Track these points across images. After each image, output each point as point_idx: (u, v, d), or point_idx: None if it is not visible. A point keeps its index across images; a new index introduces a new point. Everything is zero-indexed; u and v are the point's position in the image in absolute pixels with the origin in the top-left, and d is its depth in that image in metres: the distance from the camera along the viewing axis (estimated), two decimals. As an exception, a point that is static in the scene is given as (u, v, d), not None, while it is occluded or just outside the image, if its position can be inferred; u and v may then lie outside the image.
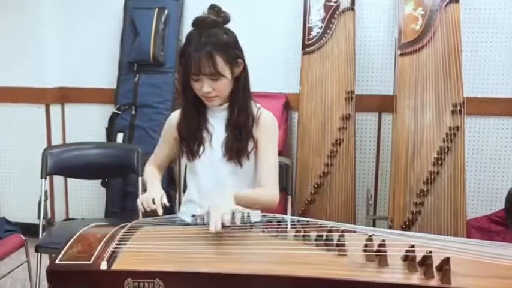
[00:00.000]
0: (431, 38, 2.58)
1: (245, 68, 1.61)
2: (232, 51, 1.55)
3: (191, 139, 1.65)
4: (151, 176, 1.72)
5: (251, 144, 1.64)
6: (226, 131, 1.64)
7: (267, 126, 1.66)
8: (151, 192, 1.56)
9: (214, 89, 1.55)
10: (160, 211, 1.47)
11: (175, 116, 1.72)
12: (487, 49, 2.83)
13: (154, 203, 1.48)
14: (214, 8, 1.57)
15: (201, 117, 1.66)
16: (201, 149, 1.65)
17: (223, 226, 1.27)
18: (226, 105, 1.64)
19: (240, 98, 1.62)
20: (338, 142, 2.70)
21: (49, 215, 2.56)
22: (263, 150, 1.63)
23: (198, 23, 1.55)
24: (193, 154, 1.66)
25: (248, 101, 1.64)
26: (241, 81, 1.61)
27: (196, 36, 1.52)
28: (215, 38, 1.51)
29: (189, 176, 1.74)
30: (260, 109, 1.68)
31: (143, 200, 1.51)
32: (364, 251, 1.18)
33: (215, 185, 1.64)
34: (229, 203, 1.38)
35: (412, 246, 1.13)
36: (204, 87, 1.54)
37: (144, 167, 1.82)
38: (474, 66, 2.85)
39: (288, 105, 3.03)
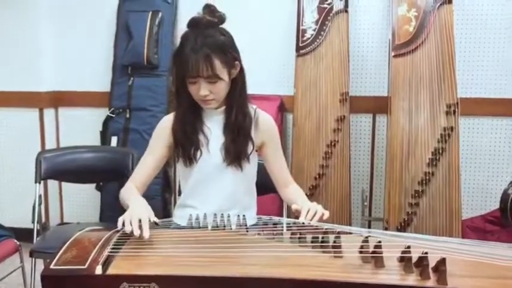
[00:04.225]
0: (425, 39, 2.59)
1: (242, 70, 1.58)
2: (230, 52, 1.51)
3: (187, 143, 1.60)
4: (132, 193, 1.54)
5: (250, 147, 1.62)
6: (224, 134, 1.61)
7: (271, 130, 1.69)
8: (136, 208, 1.37)
9: (211, 91, 1.51)
10: (146, 235, 1.25)
11: (167, 120, 1.66)
12: (480, 49, 2.85)
13: (140, 222, 1.28)
14: (209, 8, 1.53)
15: (197, 120, 1.62)
16: (198, 153, 1.60)
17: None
18: (223, 108, 1.61)
19: (237, 100, 1.59)
20: (333, 144, 2.71)
21: (43, 220, 2.55)
22: (276, 154, 1.70)
23: (193, 23, 1.51)
24: (190, 159, 1.61)
25: (245, 103, 1.61)
26: (238, 83, 1.58)
27: (192, 37, 1.48)
28: (212, 39, 1.48)
29: (184, 182, 1.69)
30: (257, 110, 1.66)
31: (127, 218, 1.29)
32: (360, 252, 1.18)
33: (214, 190, 1.62)
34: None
35: (408, 247, 1.13)
36: (202, 90, 1.50)
37: (121, 189, 1.62)
38: (468, 66, 2.86)
39: (282, 107, 3.04)
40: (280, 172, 1.71)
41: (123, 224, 1.29)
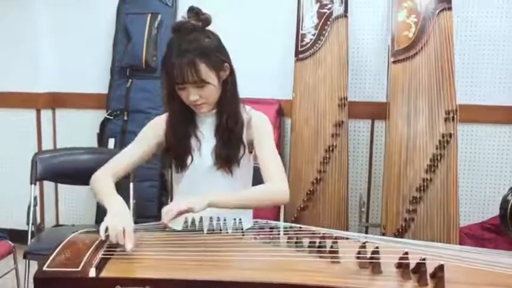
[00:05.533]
0: (424, 45, 2.59)
1: (232, 72, 1.56)
2: (216, 55, 1.48)
3: (180, 149, 1.58)
4: (108, 189, 1.49)
5: (242, 150, 1.59)
6: (215, 137, 1.59)
7: (261, 126, 1.62)
8: (117, 216, 1.31)
9: (201, 96, 1.49)
10: (129, 247, 1.21)
11: (160, 120, 1.65)
12: (480, 56, 2.85)
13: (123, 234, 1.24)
14: (193, 11, 1.49)
15: (190, 125, 1.60)
16: (189, 159, 1.59)
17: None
18: (214, 111, 1.58)
19: (228, 103, 1.56)
20: (331, 149, 2.70)
21: (39, 221, 2.53)
22: (263, 148, 1.58)
23: (177, 28, 1.49)
24: (182, 165, 1.59)
25: (236, 106, 1.58)
26: (228, 86, 1.55)
27: (176, 43, 1.46)
28: (196, 43, 1.45)
29: (176, 186, 1.68)
30: (250, 111, 1.63)
31: (110, 228, 1.25)
32: (358, 258, 1.17)
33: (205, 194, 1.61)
34: (204, 199, 1.36)
35: (406, 253, 1.12)
36: (191, 95, 1.48)
37: (96, 173, 1.60)
38: (467, 73, 2.86)
39: (281, 112, 3.03)
40: (264, 166, 1.58)
41: (107, 236, 1.25)
